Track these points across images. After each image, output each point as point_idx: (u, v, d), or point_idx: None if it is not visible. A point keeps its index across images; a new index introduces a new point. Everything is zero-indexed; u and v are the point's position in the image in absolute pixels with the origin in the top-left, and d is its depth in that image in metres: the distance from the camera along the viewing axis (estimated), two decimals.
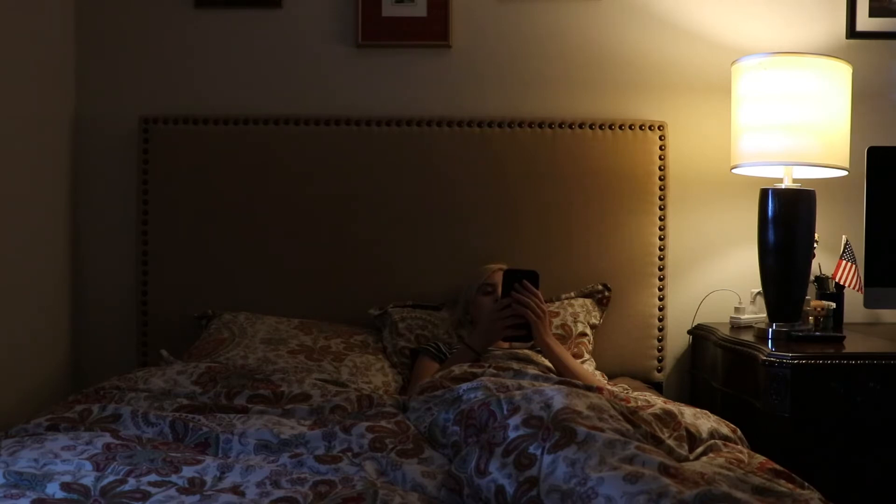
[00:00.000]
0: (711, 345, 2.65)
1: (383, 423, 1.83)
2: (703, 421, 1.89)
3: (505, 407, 1.69)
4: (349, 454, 1.70)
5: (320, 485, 1.47)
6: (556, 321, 2.62)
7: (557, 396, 1.66)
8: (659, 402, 1.96)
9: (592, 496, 1.36)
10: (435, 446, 1.78)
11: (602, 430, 1.53)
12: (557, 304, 2.72)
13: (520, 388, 1.82)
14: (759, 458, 1.76)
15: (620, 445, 1.47)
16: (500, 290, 2.41)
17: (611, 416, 1.65)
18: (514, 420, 1.61)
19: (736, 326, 2.69)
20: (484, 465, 1.55)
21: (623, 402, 1.85)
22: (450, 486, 1.57)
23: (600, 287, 2.78)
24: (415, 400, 1.98)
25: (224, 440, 1.76)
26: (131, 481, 1.49)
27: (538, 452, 1.50)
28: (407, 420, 1.87)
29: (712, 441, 1.83)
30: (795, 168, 2.55)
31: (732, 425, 2.02)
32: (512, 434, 1.58)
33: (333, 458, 1.67)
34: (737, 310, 2.73)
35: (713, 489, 1.35)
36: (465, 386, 1.88)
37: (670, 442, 1.75)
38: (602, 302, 2.78)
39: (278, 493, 1.45)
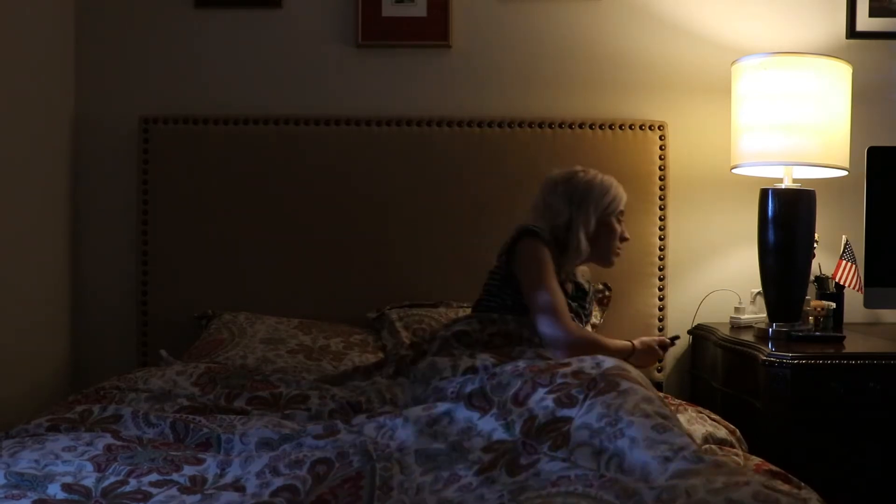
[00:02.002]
0: (711, 345, 2.65)
1: (380, 410, 1.86)
2: (697, 426, 1.90)
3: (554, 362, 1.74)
4: (346, 427, 1.71)
5: (318, 465, 1.47)
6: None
7: (608, 360, 1.69)
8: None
9: (619, 436, 1.40)
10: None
11: (645, 388, 1.56)
12: None
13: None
14: (755, 460, 1.76)
15: (658, 402, 1.50)
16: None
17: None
18: (564, 370, 1.66)
19: (736, 326, 2.69)
20: (524, 397, 1.60)
21: None
22: (476, 402, 1.61)
23: (601, 286, 2.78)
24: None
25: (226, 440, 1.76)
26: (132, 482, 1.49)
27: (580, 396, 1.55)
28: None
29: (707, 446, 1.84)
30: (795, 168, 2.55)
31: (731, 426, 2.02)
32: (560, 380, 1.63)
33: (332, 432, 1.69)
34: (737, 310, 2.73)
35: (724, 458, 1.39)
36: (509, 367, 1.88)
37: None
38: (603, 301, 2.78)
39: (278, 482, 1.45)
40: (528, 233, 2.20)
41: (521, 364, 1.81)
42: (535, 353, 2.07)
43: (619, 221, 2.31)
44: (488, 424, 1.56)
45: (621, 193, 2.30)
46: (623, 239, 2.32)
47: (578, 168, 2.32)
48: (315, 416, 1.96)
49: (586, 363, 1.69)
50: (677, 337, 2.47)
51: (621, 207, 2.30)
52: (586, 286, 2.39)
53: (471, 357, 2.05)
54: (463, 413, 1.60)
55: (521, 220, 2.31)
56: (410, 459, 1.48)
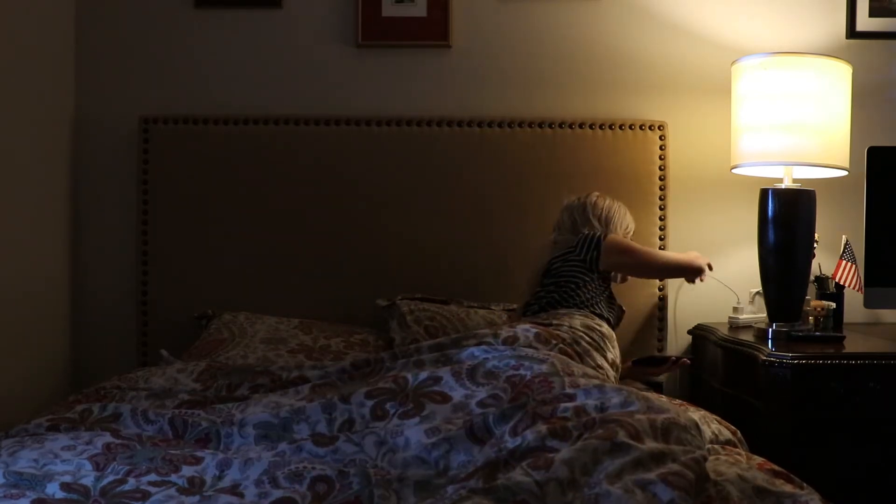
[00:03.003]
0: (711, 345, 2.65)
1: (381, 384, 1.84)
2: (703, 427, 1.90)
3: (562, 389, 1.73)
4: (346, 429, 1.70)
5: (318, 483, 1.47)
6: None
7: (616, 398, 1.67)
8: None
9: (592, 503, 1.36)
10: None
11: (642, 442, 1.50)
12: None
13: (584, 375, 1.85)
14: (758, 460, 1.76)
15: (643, 469, 1.44)
16: None
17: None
18: (566, 404, 1.65)
19: (735, 326, 2.68)
20: (522, 429, 1.58)
21: None
22: (479, 434, 1.60)
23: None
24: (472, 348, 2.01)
25: (225, 434, 1.76)
26: (131, 481, 1.49)
27: (575, 432, 1.53)
28: (406, 375, 1.88)
29: (710, 446, 1.84)
30: (795, 168, 2.55)
31: (733, 427, 2.02)
32: (560, 413, 1.62)
33: (331, 439, 1.67)
34: (735, 310, 2.72)
35: None
36: (531, 352, 1.92)
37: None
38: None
39: (277, 494, 1.45)
40: (600, 236, 2.47)
41: (544, 368, 1.83)
42: (583, 323, 2.29)
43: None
44: (484, 455, 1.56)
45: (632, 218, 2.62)
46: None
47: (594, 193, 2.61)
48: (317, 386, 1.97)
49: (591, 400, 1.67)
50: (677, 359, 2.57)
51: (633, 229, 2.61)
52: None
53: (511, 327, 2.12)
54: (464, 444, 1.60)
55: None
56: (409, 491, 1.48)
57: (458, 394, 1.78)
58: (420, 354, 2.02)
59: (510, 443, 1.55)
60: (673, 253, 2.71)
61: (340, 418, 1.74)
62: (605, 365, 2.23)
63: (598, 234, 2.47)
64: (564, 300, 2.42)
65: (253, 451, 1.67)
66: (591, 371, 1.97)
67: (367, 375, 1.97)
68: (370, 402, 1.77)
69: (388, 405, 1.76)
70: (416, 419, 1.70)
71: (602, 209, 2.56)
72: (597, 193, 2.61)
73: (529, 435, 1.54)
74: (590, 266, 2.44)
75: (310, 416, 1.76)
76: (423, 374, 1.85)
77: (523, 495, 1.35)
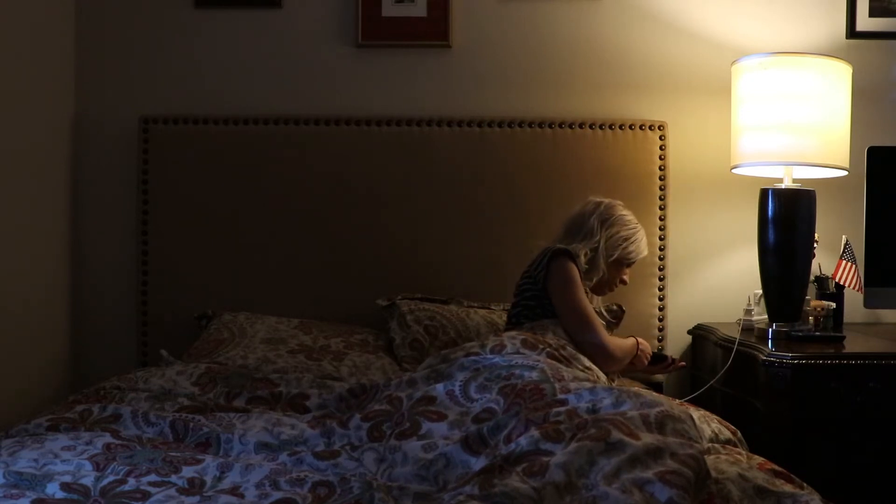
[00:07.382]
0: (711, 345, 2.65)
1: (376, 407, 1.85)
2: (703, 426, 1.90)
3: (554, 395, 1.74)
4: (348, 448, 1.71)
5: (319, 487, 1.48)
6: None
7: (607, 399, 1.67)
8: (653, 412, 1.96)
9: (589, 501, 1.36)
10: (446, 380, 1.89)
11: (637, 438, 1.50)
12: None
13: (575, 379, 1.86)
14: (758, 460, 1.76)
15: (640, 467, 1.43)
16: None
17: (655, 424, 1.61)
18: (559, 408, 1.65)
19: (748, 329, 2.60)
20: (517, 436, 1.59)
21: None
22: (474, 446, 1.61)
23: (615, 307, 2.70)
24: (461, 359, 2.01)
25: (225, 440, 1.77)
26: (131, 481, 1.50)
27: (568, 434, 1.53)
28: (399, 395, 1.89)
29: (710, 445, 1.84)
30: (795, 168, 2.55)
31: (733, 427, 2.02)
32: (552, 418, 1.62)
33: (332, 454, 1.68)
34: (747, 311, 2.66)
35: None
36: (520, 360, 1.92)
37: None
38: (616, 320, 2.73)
39: (277, 495, 1.45)
40: (560, 253, 2.31)
41: (535, 375, 1.84)
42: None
43: (628, 266, 2.44)
44: (479, 465, 1.56)
45: (644, 248, 2.44)
46: (623, 281, 2.45)
47: (620, 203, 2.45)
48: (317, 418, 1.97)
49: (582, 403, 1.68)
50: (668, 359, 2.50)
51: (638, 258, 2.44)
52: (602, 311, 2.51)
53: (497, 336, 2.13)
54: (461, 457, 1.60)
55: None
56: (408, 500, 1.49)
57: (453, 412, 1.79)
58: (412, 374, 2.03)
59: (504, 450, 1.55)
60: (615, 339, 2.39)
61: (339, 442, 1.76)
62: (595, 367, 2.22)
63: (556, 248, 2.33)
64: (516, 320, 2.36)
65: (253, 459, 1.68)
66: (580, 374, 1.98)
67: (365, 401, 1.98)
68: (367, 425, 1.79)
69: (384, 426, 1.78)
70: (414, 438, 1.71)
71: (616, 217, 2.39)
72: (622, 204, 2.45)
73: (523, 440, 1.54)
74: (542, 287, 2.31)
75: (308, 441, 1.78)
76: (418, 393, 1.88)
77: (521, 500, 1.35)
